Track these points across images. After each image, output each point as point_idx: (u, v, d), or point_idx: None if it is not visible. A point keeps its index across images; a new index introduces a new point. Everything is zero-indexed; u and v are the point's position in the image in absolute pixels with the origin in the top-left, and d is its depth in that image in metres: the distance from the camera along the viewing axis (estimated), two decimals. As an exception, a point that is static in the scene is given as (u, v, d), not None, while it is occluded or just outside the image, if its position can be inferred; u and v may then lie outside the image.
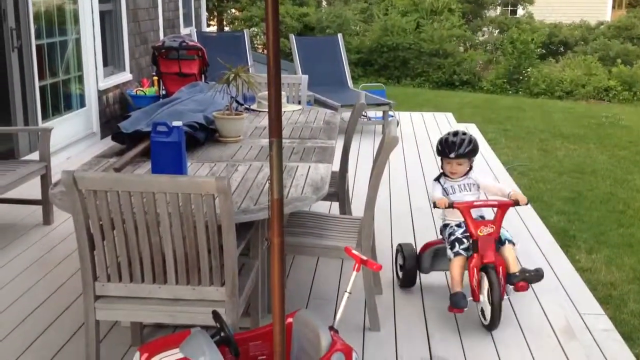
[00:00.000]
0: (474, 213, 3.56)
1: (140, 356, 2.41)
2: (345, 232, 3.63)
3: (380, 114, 8.38)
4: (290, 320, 2.69)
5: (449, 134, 3.66)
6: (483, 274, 3.43)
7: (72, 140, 6.95)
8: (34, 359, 3.16)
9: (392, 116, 7.79)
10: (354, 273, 2.77)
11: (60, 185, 2.97)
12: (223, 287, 2.70)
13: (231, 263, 2.67)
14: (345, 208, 4.57)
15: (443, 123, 8.93)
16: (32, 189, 5.09)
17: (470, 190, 3.64)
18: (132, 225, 2.62)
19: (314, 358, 2.50)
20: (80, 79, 7.41)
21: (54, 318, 3.57)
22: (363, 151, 7.17)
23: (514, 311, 3.74)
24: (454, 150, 3.57)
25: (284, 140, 4.04)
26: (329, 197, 4.52)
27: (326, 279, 4.09)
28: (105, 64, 7.90)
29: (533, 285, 4.05)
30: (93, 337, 2.75)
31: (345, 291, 2.74)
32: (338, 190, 4.49)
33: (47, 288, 3.91)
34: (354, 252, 2.87)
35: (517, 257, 3.62)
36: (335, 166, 4.29)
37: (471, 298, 3.47)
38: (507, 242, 3.59)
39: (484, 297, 3.42)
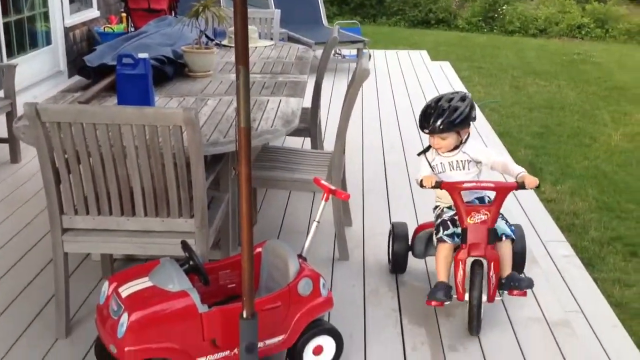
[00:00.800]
0: (471, 195, 2.98)
1: (109, 285, 2.45)
2: (316, 166, 3.65)
3: (354, 52, 8.31)
4: (259, 250, 2.74)
5: (433, 99, 2.98)
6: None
7: (38, 79, 6.82)
8: (4, 293, 3.19)
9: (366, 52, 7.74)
10: (323, 203, 2.81)
11: (23, 119, 2.94)
12: (192, 219, 2.72)
13: (200, 195, 2.68)
14: (317, 144, 4.59)
15: (417, 61, 8.90)
16: (-3, 127, 5.03)
17: (464, 169, 2.96)
18: (99, 158, 2.60)
19: (282, 285, 2.56)
20: (45, 16, 7.22)
21: (22, 253, 3.58)
22: (337, 89, 7.15)
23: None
24: (428, 123, 2.91)
25: (254, 75, 4.04)
26: (301, 133, 4.54)
27: (297, 213, 4.14)
28: (71, 1, 7.68)
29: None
30: (62, 270, 2.77)
31: (315, 220, 2.79)
32: (310, 126, 4.50)
33: (16, 225, 3.91)
34: (323, 182, 2.90)
35: (511, 258, 2.97)
36: (308, 102, 4.29)
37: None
38: (504, 236, 2.95)
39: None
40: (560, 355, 2.79)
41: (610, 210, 4.68)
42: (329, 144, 4.61)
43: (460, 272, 2.86)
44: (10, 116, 4.77)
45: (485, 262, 2.83)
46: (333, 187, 2.85)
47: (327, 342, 2.65)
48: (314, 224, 2.79)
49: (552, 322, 3.02)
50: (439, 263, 2.97)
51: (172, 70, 3.86)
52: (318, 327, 2.61)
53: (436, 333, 2.92)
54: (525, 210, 4.41)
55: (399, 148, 5.47)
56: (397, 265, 3.37)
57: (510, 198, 4.61)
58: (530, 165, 5.57)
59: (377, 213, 4.17)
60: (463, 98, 2.91)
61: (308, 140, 4.67)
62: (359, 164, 5.04)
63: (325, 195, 2.84)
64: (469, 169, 2.96)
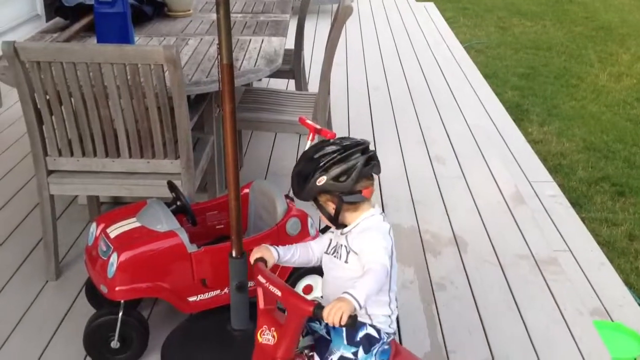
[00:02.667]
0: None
1: (97, 226, 2.42)
2: (301, 107, 3.61)
3: (337, -7, 8.14)
4: (246, 190, 2.72)
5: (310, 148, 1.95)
6: None
7: (14, 24, 6.61)
8: (-7, 236, 3.17)
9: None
10: (309, 142, 2.77)
11: (2, 59, 2.86)
12: (178, 160, 2.68)
13: (185, 135, 2.64)
14: (301, 85, 4.53)
15: (402, 2, 8.74)
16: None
17: (340, 259, 1.84)
18: (80, 99, 2.54)
19: (270, 224, 2.55)
20: (18, -43, 6.95)
21: (8, 198, 3.55)
22: (320, 32, 7.02)
23: (465, 178, 3.85)
24: (292, 186, 1.90)
25: (235, 15, 3.95)
26: (285, 75, 4.47)
27: (283, 155, 4.12)
28: (44, -60, 7.40)
29: (485, 156, 4.17)
30: (49, 213, 2.74)
31: (300, 161, 2.75)
32: (293, 67, 4.42)
33: (0, 169, 3.85)
34: (308, 121, 2.86)
35: None
36: (291, 44, 4.21)
37: None
38: None
39: None
40: (549, 292, 2.83)
41: (597, 151, 4.69)
42: (313, 86, 4.55)
43: None
44: (-12, 60, 4.64)
45: None
46: (319, 127, 2.81)
47: (316, 282, 2.65)
48: (301, 165, 2.75)
49: (540, 260, 3.05)
50: None
51: (152, 9, 3.76)
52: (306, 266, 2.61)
53: (425, 271, 2.95)
54: (512, 151, 4.42)
55: (384, 90, 5.42)
56: None
57: (496, 138, 4.67)
58: (516, 106, 5.55)
59: (364, 154, 4.14)
60: (320, 155, 1.82)
61: (292, 82, 4.61)
62: (344, 106, 5.00)
63: (311, 135, 2.80)
64: (346, 263, 1.81)
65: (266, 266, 1.82)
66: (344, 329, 1.78)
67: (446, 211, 3.48)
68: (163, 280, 2.30)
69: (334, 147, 1.83)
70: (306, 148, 2.75)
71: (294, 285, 2.58)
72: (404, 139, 4.42)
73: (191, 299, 2.37)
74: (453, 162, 4.09)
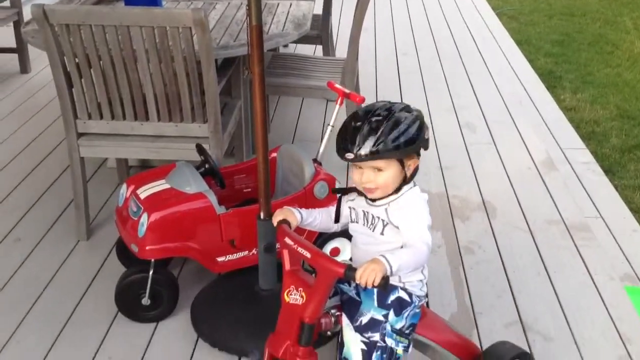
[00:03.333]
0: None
1: (127, 188, 2.45)
2: (329, 72, 3.58)
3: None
4: (274, 154, 2.72)
5: (361, 109, 1.78)
6: None
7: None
8: (24, 198, 3.22)
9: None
10: (337, 107, 2.76)
11: (32, 23, 2.88)
12: (206, 124, 2.69)
13: (213, 99, 2.64)
14: (328, 50, 4.49)
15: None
16: (5, 37, 4.95)
17: (374, 230, 1.77)
18: (109, 62, 2.56)
19: (298, 188, 2.55)
20: None
21: (39, 160, 3.60)
22: (348, -2, 6.94)
23: (495, 145, 3.80)
24: (353, 143, 1.70)
25: (263, -21, 3.91)
26: (312, 41, 4.44)
27: (310, 121, 4.10)
28: None
29: (516, 123, 4.12)
30: (79, 175, 2.78)
31: (329, 124, 2.75)
32: (321, 32, 4.38)
33: (30, 133, 3.92)
34: (337, 85, 2.84)
35: None
36: (319, 9, 4.17)
37: None
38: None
39: None
40: (579, 258, 2.79)
41: (631, 118, 4.57)
42: (340, 52, 4.51)
43: None
44: (18, 25, 4.68)
45: None
46: (347, 91, 2.79)
47: (344, 244, 2.66)
48: (329, 129, 2.74)
49: (570, 226, 3.01)
50: None
51: (180, -26, 3.73)
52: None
53: (453, 236, 2.93)
54: (545, 119, 4.34)
55: (412, 55, 5.36)
56: None
57: (528, 105, 4.59)
58: (549, 73, 5.44)
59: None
60: (408, 109, 1.76)
61: (319, 48, 4.57)
62: (372, 72, 4.96)
63: (340, 99, 2.78)
64: (382, 235, 1.75)
65: (290, 228, 1.81)
66: (375, 291, 1.77)
67: (475, 177, 3.45)
68: (192, 240, 2.32)
69: (402, 104, 1.79)
70: (335, 112, 2.76)
71: (321, 248, 2.59)
72: (433, 105, 4.37)
73: (220, 259, 2.39)
74: (483, 128, 4.04)
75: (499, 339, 2.28)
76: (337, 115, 2.73)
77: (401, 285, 1.80)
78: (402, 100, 4.43)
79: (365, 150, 1.67)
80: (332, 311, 1.83)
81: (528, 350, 2.19)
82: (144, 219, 2.28)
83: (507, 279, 2.64)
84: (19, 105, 4.31)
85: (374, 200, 1.77)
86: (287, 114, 4.20)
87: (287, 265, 1.77)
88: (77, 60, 2.57)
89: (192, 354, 2.24)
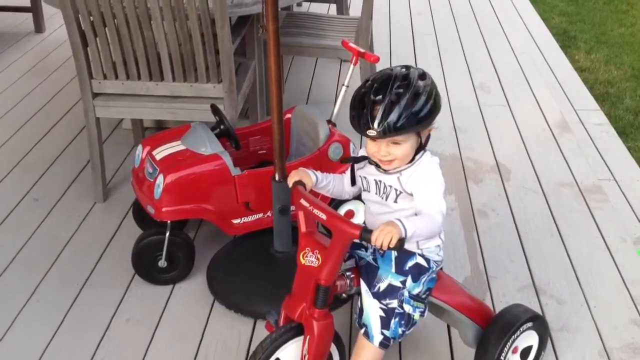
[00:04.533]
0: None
1: (143, 149, 2.46)
2: (343, 32, 3.54)
3: None
4: (288, 115, 2.71)
5: (374, 77, 1.71)
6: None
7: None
8: (40, 159, 3.24)
9: None
10: (351, 66, 2.74)
11: (45, -19, 2.86)
12: (220, 84, 2.67)
13: (227, 59, 2.62)
14: (342, 10, 4.43)
15: None
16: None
17: (387, 199, 1.75)
18: (124, 20, 2.54)
19: (312, 149, 2.55)
20: None
21: (55, 121, 3.61)
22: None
23: (509, 106, 3.78)
24: (373, 119, 1.63)
25: None
26: (325, 0, 4.39)
27: (324, 82, 4.08)
28: None
29: (531, 84, 4.08)
30: (95, 136, 2.78)
31: (343, 85, 2.73)
32: (335, -10, 4.33)
33: (46, 93, 3.92)
34: (351, 44, 2.81)
35: None
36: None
37: None
38: (364, 330, 1.79)
39: None
40: (592, 220, 2.80)
41: (646, 79, 4.54)
42: (355, 11, 4.46)
43: None
44: (31, -16, 4.65)
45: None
46: (362, 50, 2.76)
47: (358, 207, 2.67)
48: (343, 89, 2.72)
49: (584, 189, 3.01)
50: None
51: None
52: (349, 191, 2.63)
53: (466, 199, 2.94)
54: (558, 79, 4.30)
55: (427, 15, 5.29)
56: None
57: (542, 66, 4.54)
58: (563, 32, 5.36)
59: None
60: (423, 76, 1.69)
61: (333, 8, 4.51)
62: (386, 32, 4.90)
63: (354, 58, 2.75)
64: (395, 203, 1.73)
65: (305, 190, 1.80)
66: (392, 257, 1.78)
67: (489, 139, 3.44)
68: (208, 202, 2.34)
69: (418, 70, 1.72)
70: (350, 72, 2.74)
71: (336, 209, 2.60)
72: (447, 66, 4.33)
73: (235, 221, 2.41)
74: (497, 90, 4.01)
75: (512, 303, 2.32)
76: (352, 74, 2.71)
77: (419, 251, 1.80)
78: (416, 61, 4.41)
79: (388, 126, 1.61)
80: (347, 273, 1.84)
81: (540, 313, 2.21)
82: (160, 180, 2.29)
83: (521, 242, 2.65)
84: (33, 66, 4.30)
85: (385, 171, 1.74)
86: (301, 74, 4.18)
87: (302, 227, 1.77)
88: (91, 18, 2.56)
89: (209, 316, 2.28)
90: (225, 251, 2.52)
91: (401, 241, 1.56)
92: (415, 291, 1.80)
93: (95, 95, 2.72)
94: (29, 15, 4.79)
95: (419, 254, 1.80)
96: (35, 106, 3.76)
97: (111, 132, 3.43)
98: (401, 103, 1.61)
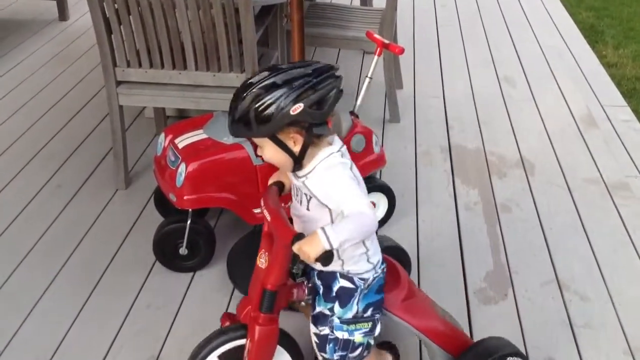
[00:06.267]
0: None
1: (165, 137, 2.46)
2: (367, 23, 3.51)
3: None
4: (311, 106, 2.69)
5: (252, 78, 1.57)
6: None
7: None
8: (63, 146, 3.26)
9: None
10: (375, 57, 2.71)
11: (70, -31, 2.86)
12: (243, 74, 2.67)
13: (250, 49, 2.61)
14: (366, 1, 4.41)
15: None
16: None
17: (301, 205, 1.64)
18: (148, 8, 2.54)
19: (335, 140, 2.53)
20: None
21: (79, 108, 3.63)
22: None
23: (534, 100, 3.73)
24: (240, 119, 1.55)
25: None
26: (349, -10, 4.37)
27: (346, 73, 4.05)
28: None
29: (557, 78, 4.03)
30: (118, 123, 2.79)
31: (367, 76, 2.71)
32: (359, -19, 4.30)
33: (69, 81, 3.93)
34: (376, 35, 2.79)
35: None
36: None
37: None
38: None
39: None
40: (618, 217, 2.75)
41: (675, 75, 4.45)
42: (378, 2, 4.42)
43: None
44: (56, -28, 4.68)
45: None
46: (387, 41, 2.74)
47: (379, 199, 2.65)
48: (366, 80, 2.70)
49: (610, 185, 2.96)
50: None
51: None
52: (370, 183, 2.61)
53: (489, 193, 2.90)
54: (585, 74, 4.24)
55: (451, 6, 5.24)
56: None
57: (569, 60, 4.47)
58: (591, 27, 5.28)
59: (429, 76, 4.05)
60: (282, 79, 1.51)
61: (357, -2, 4.50)
62: (410, 25, 4.86)
63: (378, 49, 2.73)
64: (308, 211, 1.62)
65: (281, 191, 1.70)
66: (320, 284, 1.69)
67: (514, 133, 3.39)
68: (229, 191, 2.33)
69: (304, 70, 1.54)
70: (374, 63, 2.72)
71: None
72: (471, 58, 4.29)
73: (256, 210, 2.40)
74: (523, 83, 3.96)
75: (535, 298, 2.30)
76: (376, 66, 2.69)
77: (340, 270, 1.65)
78: (439, 52, 4.37)
79: (230, 123, 1.55)
80: (307, 282, 1.73)
81: (524, 353, 2.06)
82: (182, 168, 2.29)
83: (544, 237, 2.62)
84: (57, 53, 4.32)
85: (297, 172, 1.61)
86: (323, 65, 4.15)
87: (265, 227, 1.67)
88: (116, 6, 2.56)
89: (228, 304, 2.28)
90: (245, 240, 2.51)
91: (326, 254, 1.43)
92: (348, 315, 1.67)
93: (119, 83, 2.72)
94: (53, 4, 4.82)
95: (340, 276, 1.65)
96: (59, 93, 3.78)
97: (133, 120, 3.44)
98: (262, 110, 1.49)
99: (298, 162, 1.56)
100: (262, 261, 1.66)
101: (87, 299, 2.30)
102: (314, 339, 1.73)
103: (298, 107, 1.49)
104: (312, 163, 1.57)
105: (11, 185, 2.95)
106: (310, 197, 1.58)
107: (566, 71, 4.17)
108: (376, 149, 2.61)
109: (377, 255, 1.69)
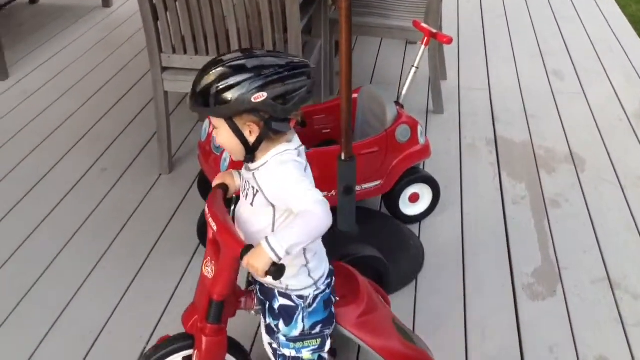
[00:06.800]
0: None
1: (209, 123, 2.45)
2: (411, 12, 3.46)
3: None
4: (355, 95, 2.66)
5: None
6: None
7: None
8: (111, 126, 3.30)
9: None
10: (422, 47, 2.66)
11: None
12: (288, 61, 2.65)
13: (295, 37, 2.59)
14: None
15: None
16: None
17: (246, 199, 1.56)
18: (194, -6, 2.54)
19: (379, 130, 2.49)
20: None
21: (123, 93, 3.65)
22: None
23: (584, 94, 3.63)
24: (201, 92, 1.46)
25: None
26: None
27: (389, 63, 4.00)
28: None
29: (606, 70, 3.92)
30: (163, 109, 2.80)
31: (412, 66, 2.66)
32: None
33: (114, 66, 3.96)
34: (423, 25, 2.74)
35: None
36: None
37: None
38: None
39: None
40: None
41: None
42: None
43: None
44: (101, -42, 4.72)
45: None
46: (434, 30, 2.69)
47: (424, 191, 2.61)
48: (412, 70, 2.66)
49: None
50: None
51: None
52: (415, 174, 2.57)
53: (537, 188, 2.83)
54: (637, 68, 4.10)
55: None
56: None
57: (619, 54, 4.33)
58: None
59: (474, 67, 3.97)
60: (256, 61, 1.45)
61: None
62: (454, 15, 4.78)
63: (425, 39, 2.68)
64: (252, 206, 1.53)
65: (226, 193, 1.62)
66: (265, 300, 1.62)
67: (563, 127, 3.31)
68: (271, 177, 2.31)
69: (278, 61, 1.46)
70: (420, 53, 2.67)
71: (401, 191, 2.54)
72: (518, 50, 4.19)
73: (300, 197, 2.38)
74: (572, 76, 3.86)
75: (585, 295, 2.23)
76: (422, 56, 2.64)
77: (278, 286, 1.56)
78: (485, 43, 4.28)
79: (193, 91, 1.46)
80: (256, 291, 1.66)
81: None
82: (227, 154, 2.28)
83: (595, 234, 2.54)
84: (101, 39, 4.36)
85: (249, 163, 1.52)
86: (365, 55, 4.11)
87: (210, 234, 1.56)
88: (162, -8, 2.56)
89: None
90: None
91: (276, 267, 1.35)
92: (294, 333, 1.58)
93: (164, 69, 2.72)
94: (97, -10, 4.87)
95: (279, 293, 1.57)
96: (104, 78, 3.81)
97: (176, 106, 3.45)
98: (224, 87, 1.41)
99: (251, 153, 1.49)
100: (208, 270, 1.56)
101: (131, 281, 2.32)
102: (268, 349, 1.68)
103: (261, 96, 1.42)
104: (266, 157, 1.48)
105: (58, 167, 2.98)
106: (257, 192, 1.49)
107: (617, 65, 4.05)
108: (421, 140, 2.57)
109: (319, 270, 1.58)
